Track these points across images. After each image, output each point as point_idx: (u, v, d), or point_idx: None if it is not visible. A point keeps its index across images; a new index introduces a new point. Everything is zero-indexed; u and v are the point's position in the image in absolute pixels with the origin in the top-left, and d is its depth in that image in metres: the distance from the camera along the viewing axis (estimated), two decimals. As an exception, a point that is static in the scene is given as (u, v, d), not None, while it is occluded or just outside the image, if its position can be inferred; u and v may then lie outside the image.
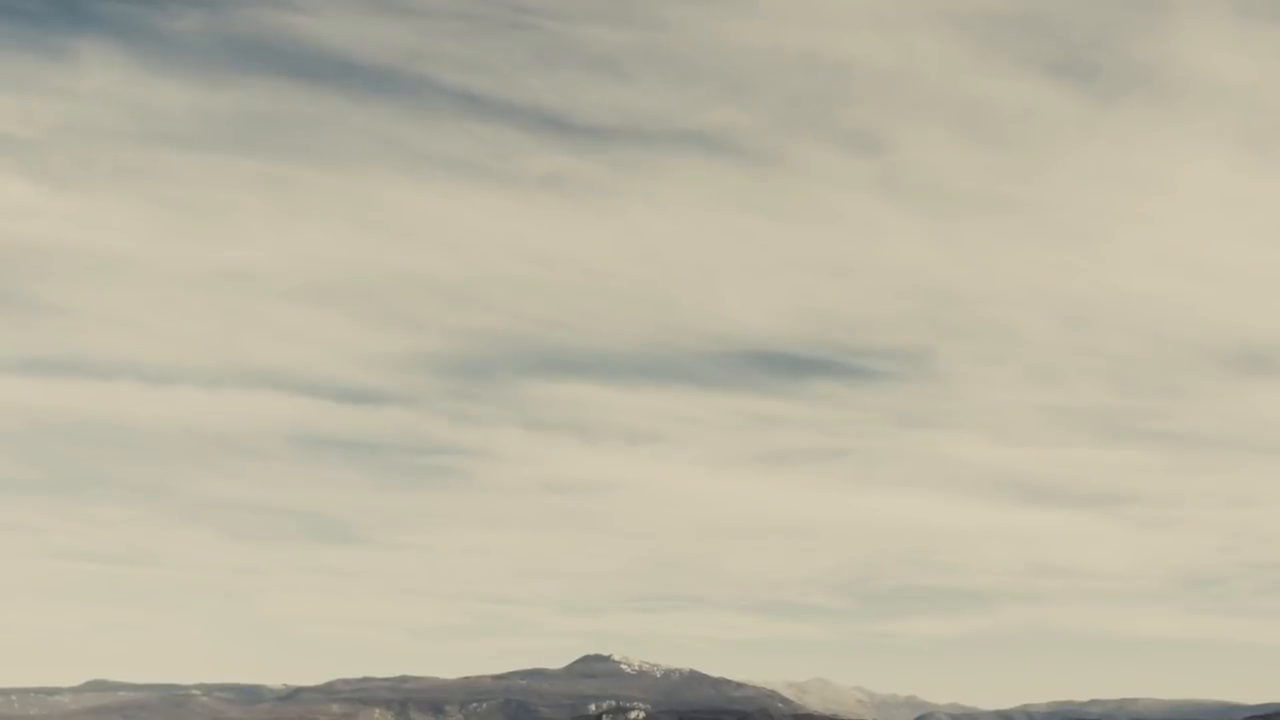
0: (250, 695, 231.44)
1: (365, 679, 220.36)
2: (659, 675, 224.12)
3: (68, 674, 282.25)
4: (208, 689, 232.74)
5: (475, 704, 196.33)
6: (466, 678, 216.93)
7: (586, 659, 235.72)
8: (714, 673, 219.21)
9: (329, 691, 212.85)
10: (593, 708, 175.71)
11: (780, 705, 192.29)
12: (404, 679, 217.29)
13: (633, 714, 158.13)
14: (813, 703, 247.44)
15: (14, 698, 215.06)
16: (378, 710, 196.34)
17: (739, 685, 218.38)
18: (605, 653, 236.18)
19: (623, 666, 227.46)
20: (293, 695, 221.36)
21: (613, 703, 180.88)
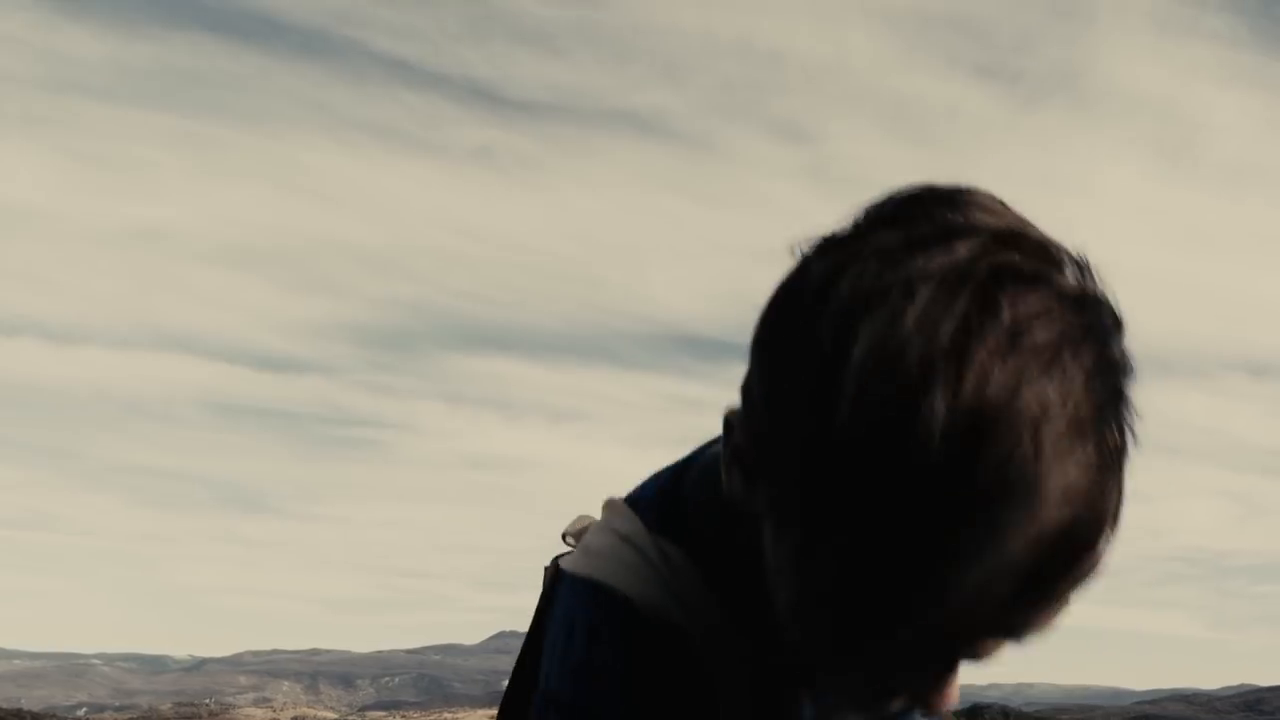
0: (154, 665, 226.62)
1: (274, 651, 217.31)
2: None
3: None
4: (108, 658, 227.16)
5: (387, 678, 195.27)
6: (379, 651, 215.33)
7: (503, 635, 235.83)
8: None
9: (236, 663, 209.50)
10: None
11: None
12: (314, 651, 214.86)
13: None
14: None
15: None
16: (286, 683, 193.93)
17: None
18: (523, 630, 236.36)
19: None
20: (198, 666, 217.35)
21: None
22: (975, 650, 0.54)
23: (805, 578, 0.53)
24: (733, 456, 0.60)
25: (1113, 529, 0.50)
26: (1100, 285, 0.53)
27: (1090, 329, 0.50)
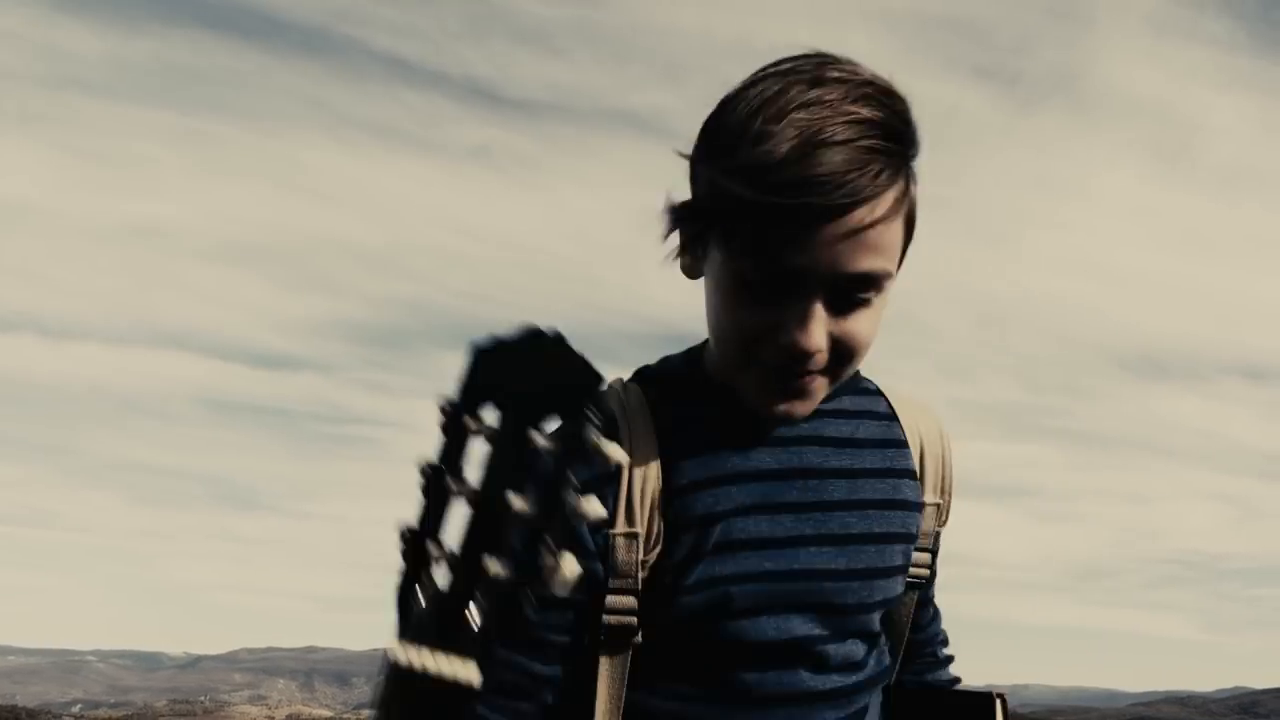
0: (149, 662, 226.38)
1: (270, 648, 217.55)
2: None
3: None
4: (104, 655, 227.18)
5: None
6: (375, 649, 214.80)
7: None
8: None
9: (231, 660, 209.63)
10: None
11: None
12: (310, 649, 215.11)
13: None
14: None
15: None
16: (281, 680, 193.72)
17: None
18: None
19: None
20: (194, 663, 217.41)
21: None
22: (816, 252, 0.98)
23: (726, 270, 1.01)
24: (673, 221, 1.07)
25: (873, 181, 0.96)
26: (896, 96, 1.03)
27: (868, 98, 0.99)
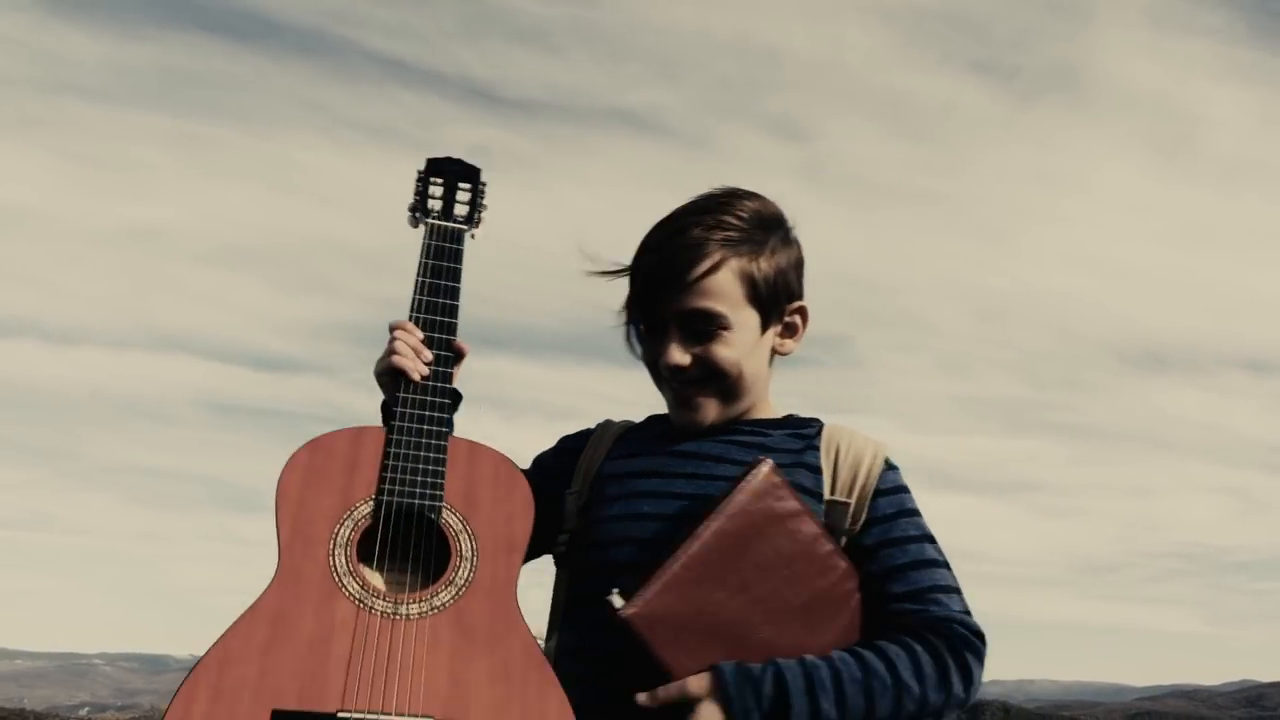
0: (155, 665, 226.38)
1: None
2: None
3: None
4: (110, 658, 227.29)
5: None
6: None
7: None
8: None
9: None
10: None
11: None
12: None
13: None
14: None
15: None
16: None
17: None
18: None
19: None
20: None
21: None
22: (660, 308, 1.57)
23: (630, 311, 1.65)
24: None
25: (697, 260, 1.54)
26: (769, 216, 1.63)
27: (711, 198, 1.63)
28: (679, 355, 1.56)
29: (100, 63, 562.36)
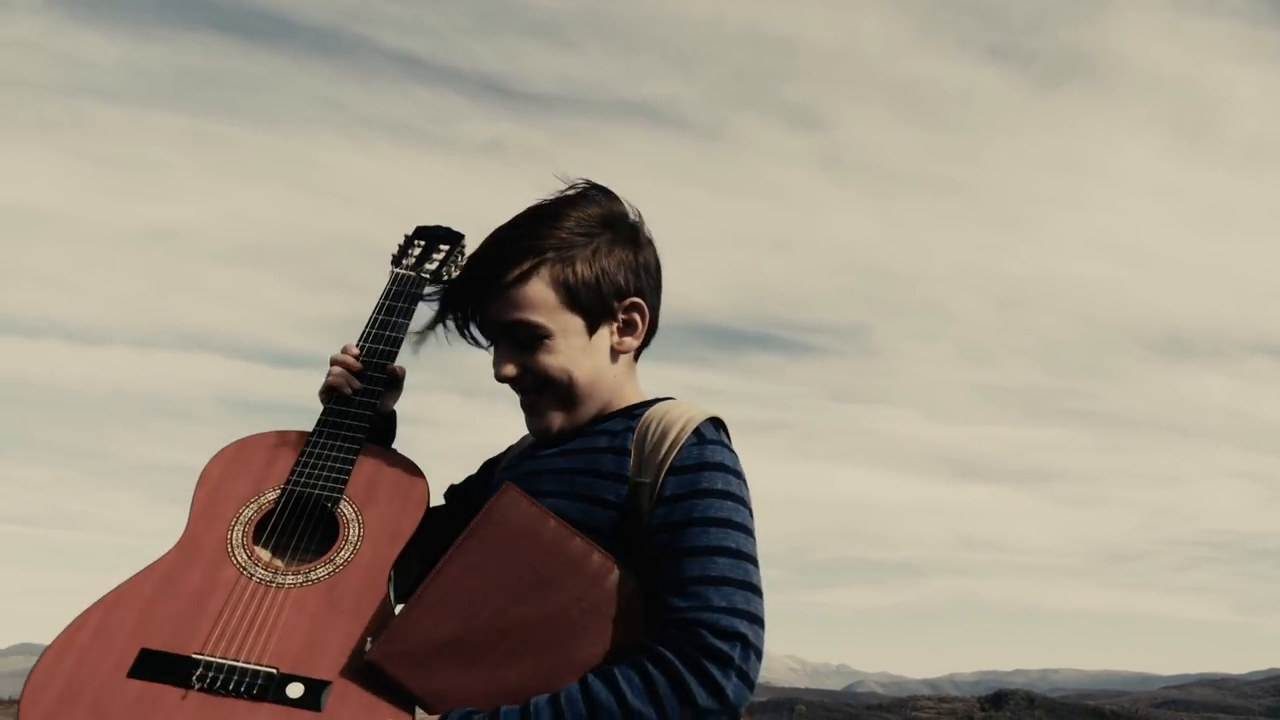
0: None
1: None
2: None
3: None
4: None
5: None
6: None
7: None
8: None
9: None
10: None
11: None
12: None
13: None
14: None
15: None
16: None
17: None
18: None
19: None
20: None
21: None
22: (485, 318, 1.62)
23: None
24: None
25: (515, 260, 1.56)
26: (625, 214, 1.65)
27: (530, 211, 1.63)
28: (508, 367, 1.59)
29: (117, 64, 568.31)
